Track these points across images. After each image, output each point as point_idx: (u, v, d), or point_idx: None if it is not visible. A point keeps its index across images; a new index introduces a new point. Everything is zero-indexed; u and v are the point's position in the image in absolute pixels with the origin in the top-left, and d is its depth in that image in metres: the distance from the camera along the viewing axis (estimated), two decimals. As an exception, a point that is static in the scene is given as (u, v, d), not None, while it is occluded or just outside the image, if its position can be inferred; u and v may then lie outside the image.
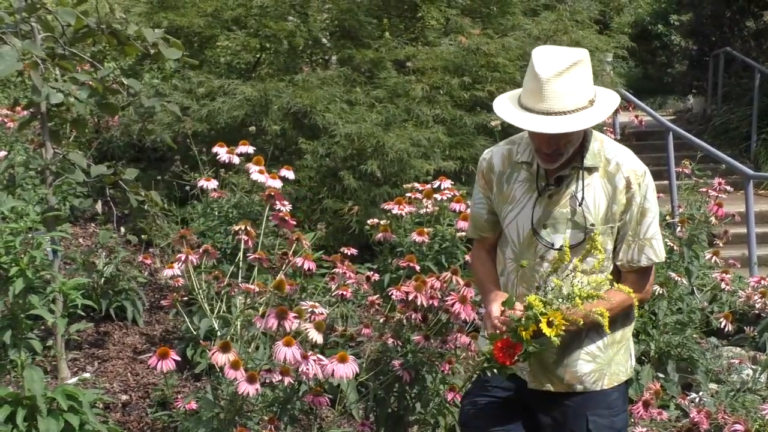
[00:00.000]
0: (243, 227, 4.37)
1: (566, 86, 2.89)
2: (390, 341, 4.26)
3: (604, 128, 9.48)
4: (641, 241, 3.06)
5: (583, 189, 3.06)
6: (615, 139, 9.09)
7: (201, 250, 4.32)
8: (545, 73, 2.88)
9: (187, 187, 6.67)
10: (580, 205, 3.05)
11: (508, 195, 3.21)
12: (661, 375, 5.57)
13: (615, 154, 3.09)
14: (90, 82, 4.59)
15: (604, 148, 3.10)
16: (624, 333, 3.21)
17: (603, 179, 3.07)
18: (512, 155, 3.23)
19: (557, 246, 3.06)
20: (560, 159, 3.02)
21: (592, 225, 3.03)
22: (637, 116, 9.98)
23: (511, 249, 3.21)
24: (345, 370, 3.64)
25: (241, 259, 4.43)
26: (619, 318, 3.14)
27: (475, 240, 3.46)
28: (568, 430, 3.15)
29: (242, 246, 4.38)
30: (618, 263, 3.12)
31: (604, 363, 3.15)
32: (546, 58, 2.92)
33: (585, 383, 3.14)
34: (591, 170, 3.07)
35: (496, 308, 3.02)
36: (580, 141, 3.06)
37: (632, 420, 4.45)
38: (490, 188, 3.29)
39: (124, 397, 5.11)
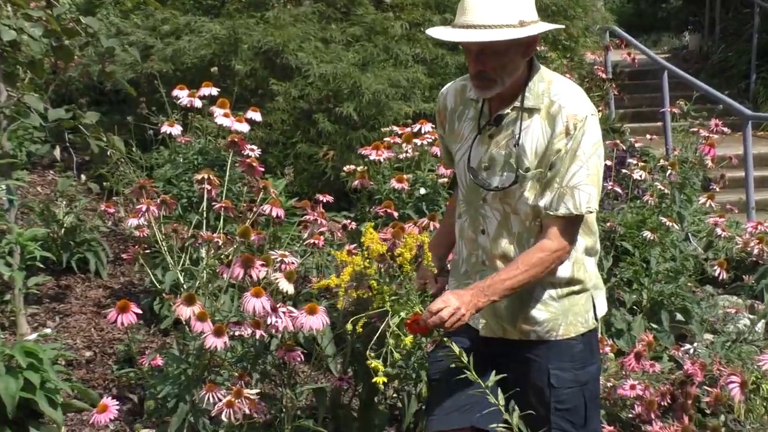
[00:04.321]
0: (205, 176, 4.34)
1: (490, 2, 2.92)
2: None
3: (595, 67, 9.46)
4: (563, 189, 2.98)
5: (520, 131, 3.04)
6: (606, 79, 9.08)
7: (159, 201, 4.28)
8: None
9: (151, 131, 6.62)
10: (516, 146, 3.03)
11: (458, 133, 3.24)
12: (654, 325, 5.60)
13: (560, 96, 3.03)
14: (45, 21, 4.53)
15: (551, 89, 3.06)
16: (583, 284, 3.19)
17: (544, 121, 3.02)
18: (465, 91, 3.25)
19: (492, 187, 3.08)
20: (493, 86, 3.00)
21: (527, 169, 3.01)
22: (629, 54, 9.95)
23: (461, 191, 3.25)
24: (314, 322, 3.62)
25: (205, 208, 4.41)
26: (555, 269, 3.10)
27: None
28: (530, 385, 3.15)
29: (206, 195, 4.35)
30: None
31: (559, 312, 3.15)
32: None
33: (538, 332, 3.15)
34: (532, 111, 3.04)
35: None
36: (523, 78, 3.05)
37: (623, 372, 4.48)
38: (443, 126, 3.34)
39: (88, 354, 5.11)
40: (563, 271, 3.13)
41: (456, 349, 2.91)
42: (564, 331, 3.16)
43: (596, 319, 3.26)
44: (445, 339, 2.98)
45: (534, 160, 3.01)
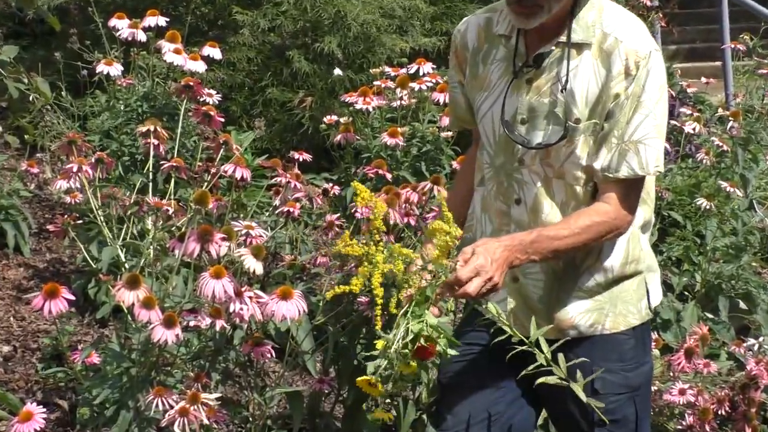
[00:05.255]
0: (152, 128, 4.33)
1: None
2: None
3: (639, -7, 9.43)
4: (625, 145, 2.96)
5: (568, 72, 3.00)
6: (651, 7, 9.07)
7: (94, 159, 4.28)
8: None
9: (84, 72, 6.59)
10: (562, 92, 3.00)
11: (484, 79, 3.19)
12: (710, 315, 5.61)
13: (615, 28, 3.00)
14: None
15: (602, 19, 3.02)
16: (637, 265, 3.18)
17: (596, 60, 2.98)
18: (491, 26, 3.19)
19: (534, 144, 3.04)
20: (539, 13, 2.95)
21: (577, 120, 2.98)
22: (681, -25, 9.93)
23: (487, 151, 3.20)
24: (288, 309, 3.62)
25: (151, 168, 4.41)
26: (607, 248, 3.11)
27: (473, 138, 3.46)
28: (569, 391, 3.12)
29: (152, 152, 4.35)
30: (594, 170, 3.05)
31: (606, 301, 3.13)
32: None
33: (579, 327, 3.13)
34: (581, 47, 3.00)
35: None
36: (568, 6, 3.00)
37: (671, 373, 4.50)
38: (462, 71, 3.28)
39: (6, 349, 5.12)
40: (617, 250, 3.11)
41: (494, 309, 2.88)
42: (612, 323, 3.14)
43: (650, 309, 3.25)
44: (476, 306, 2.96)
45: (585, 109, 2.98)
